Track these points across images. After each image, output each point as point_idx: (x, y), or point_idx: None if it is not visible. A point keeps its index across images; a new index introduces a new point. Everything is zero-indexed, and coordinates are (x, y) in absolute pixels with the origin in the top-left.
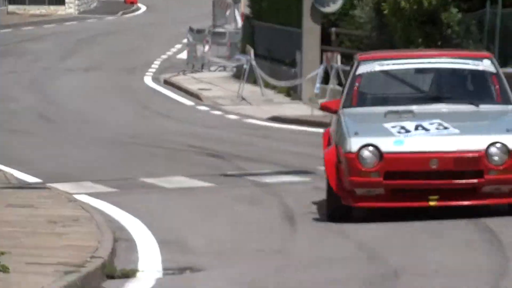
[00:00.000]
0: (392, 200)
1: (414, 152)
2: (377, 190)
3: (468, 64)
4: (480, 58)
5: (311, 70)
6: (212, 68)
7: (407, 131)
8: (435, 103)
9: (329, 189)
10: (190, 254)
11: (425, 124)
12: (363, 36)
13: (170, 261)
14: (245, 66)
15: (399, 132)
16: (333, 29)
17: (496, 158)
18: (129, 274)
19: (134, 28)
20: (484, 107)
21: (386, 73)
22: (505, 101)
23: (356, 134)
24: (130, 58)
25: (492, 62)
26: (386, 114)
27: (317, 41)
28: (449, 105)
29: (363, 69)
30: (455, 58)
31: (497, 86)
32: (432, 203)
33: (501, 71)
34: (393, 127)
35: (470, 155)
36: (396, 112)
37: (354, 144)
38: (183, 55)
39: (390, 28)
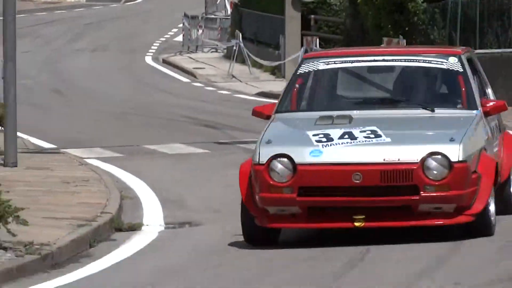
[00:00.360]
0: (310, 220)
1: (333, 164)
2: (292, 209)
3: (430, 62)
4: (446, 55)
5: (293, 52)
6: (205, 50)
7: (330, 139)
8: (383, 108)
9: (243, 207)
10: (189, 211)
11: (355, 131)
12: (339, 22)
13: (171, 217)
14: (234, 47)
15: (318, 141)
16: (312, 16)
17: (434, 172)
18: (135, 227)
19: (135, 14)
20: (440, 113)
21: (331, 72)
22: (470, 105)
23: (268, 142)
24: (132, 40)
25: (460, 60)
26: (317, 119)
27: (298, 27)
28: (400, 110)
29: (306, 68)
30: (415, 55)
31: (463, 88)
32: (357, 224)
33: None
34: (315, 135)
35: (401, 167)
36: (330, 117)
37: (263, 154)
38: (179, 38)
39: (363, 16)
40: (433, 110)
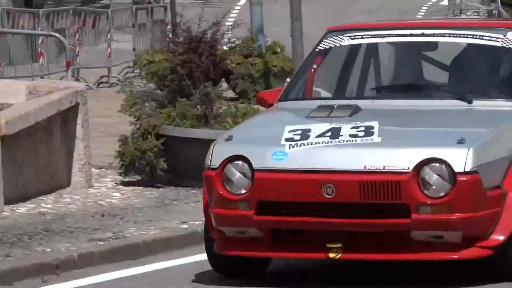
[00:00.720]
0: (275, 248)
1: (298, 171)
2: (251, 231)
3: (481, 38)
4: (504, 30)
5: None
6: (468, 13)
7: (305, 137)
8: (409, 97)
9: (205, 227)
10: None
11: (345, 127)
12: None
13: None
14: (494, 11)
15: (289, 139)
16: None
17: (431, 185)
18: None
19: None
20: (480, 105)
21: (356, 50)
22: None
23: (228, 139)
24: (403, 4)
25: None
26: (313, 110)
27: None
28: (429, 100)
29: (327, 43)
30: (465, 28)
31: None
32: (332, 255)
33: None
34: (292, 130)
35: (386, 178)
36: (329, 107)
37: (217, 155)
38: (445, 2)
39: None
40: (470, 102)
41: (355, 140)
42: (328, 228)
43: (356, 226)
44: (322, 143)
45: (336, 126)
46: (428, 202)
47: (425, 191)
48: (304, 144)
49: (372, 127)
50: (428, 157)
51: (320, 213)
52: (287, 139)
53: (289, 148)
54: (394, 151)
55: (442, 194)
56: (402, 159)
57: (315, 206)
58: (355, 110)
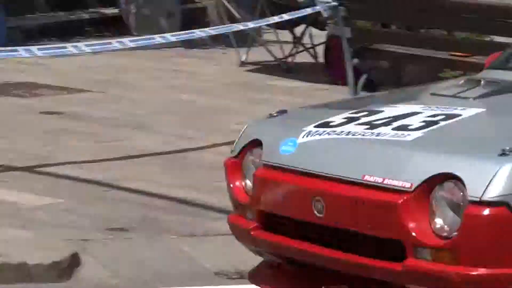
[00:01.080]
0: (293, 280)
1: (293, 173)
2: (264, 253)
3: None
4: None
5: None
6: None
7: (344, 123)
8: None
9: None
10: None
11: (420, 116)
12: None
13: None
14: None
15: (321, 125)
16: None
17: (439, 218)
18: None
19: None
20: None
21: None
22: None
23: (273, 115)
24: None
25: None
26: (453, 86)
27: None
28: None
29: None
30: None
31: None
32: None
33: None
34: (355, 113)
35: (381, 198)
36: (476, 82)
37: (244, 136)
38: None
39: None
40: None
41: (388, 135)
42: (318, 263)
43: (342, 264)
44: (343, 133)
45: (417, 110)
46: (430, 242)
47: (431, 225)
48: (319, 134)
49: (452, 117)
50: (442, 171)
51: (311, 238)
52: (320, 125)
53: (304, 137)
54: (409, 157)
55: (449, 230)
56: (410, 171)
57: (306, 227)
58: (499, 90)
